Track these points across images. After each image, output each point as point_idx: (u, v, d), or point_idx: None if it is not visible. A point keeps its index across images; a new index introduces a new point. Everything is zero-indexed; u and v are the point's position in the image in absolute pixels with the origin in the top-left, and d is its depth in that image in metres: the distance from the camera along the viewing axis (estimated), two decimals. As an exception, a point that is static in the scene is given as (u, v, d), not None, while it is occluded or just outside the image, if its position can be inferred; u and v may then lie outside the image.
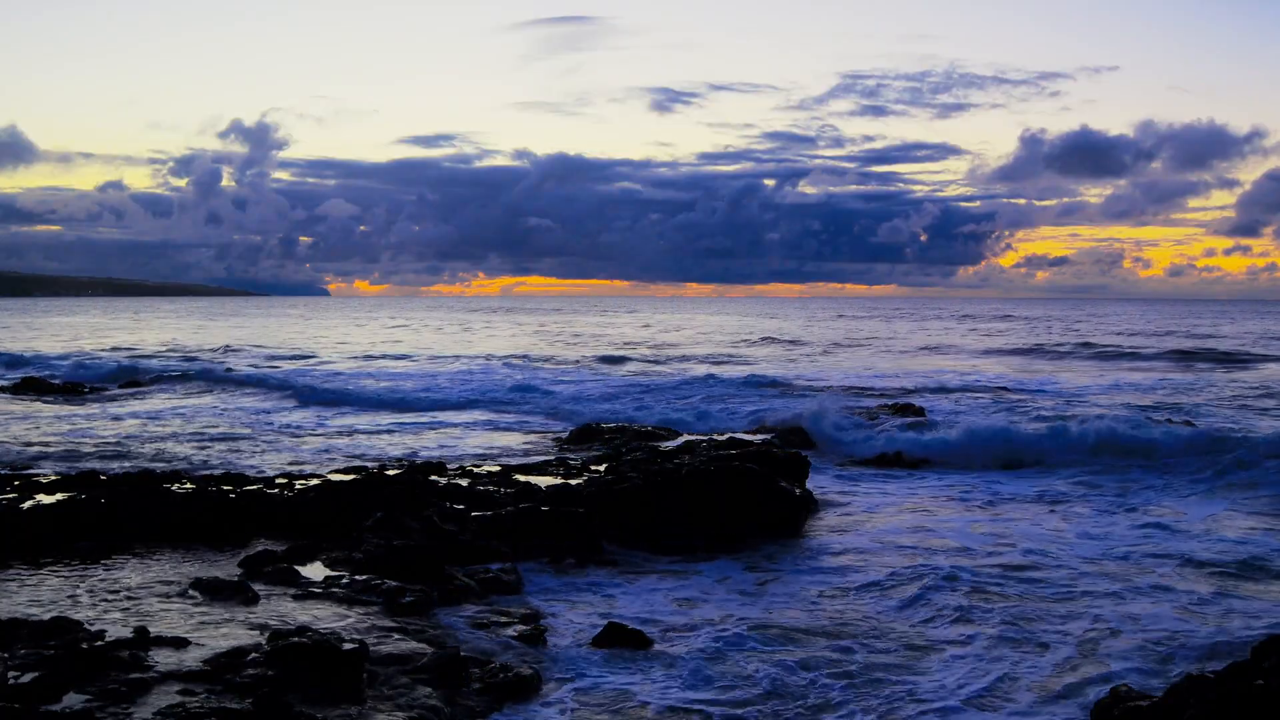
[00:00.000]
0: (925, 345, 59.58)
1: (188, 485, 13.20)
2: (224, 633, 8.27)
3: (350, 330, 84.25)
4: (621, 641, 9.01)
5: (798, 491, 14.00)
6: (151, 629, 8.04)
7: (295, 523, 12.33)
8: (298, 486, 13.63)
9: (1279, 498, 15.55)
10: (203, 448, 20.52)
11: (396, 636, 8.52)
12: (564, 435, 22.51)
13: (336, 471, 15.63)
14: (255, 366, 42.26)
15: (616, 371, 41.30)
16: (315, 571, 10.46)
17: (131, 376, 36.28)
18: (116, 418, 25.52)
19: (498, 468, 16.42)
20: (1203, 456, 18.15)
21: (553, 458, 18.51)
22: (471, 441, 22.21)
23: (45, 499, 12.28)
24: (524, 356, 49.45)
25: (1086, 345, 55.52)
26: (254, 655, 7.45)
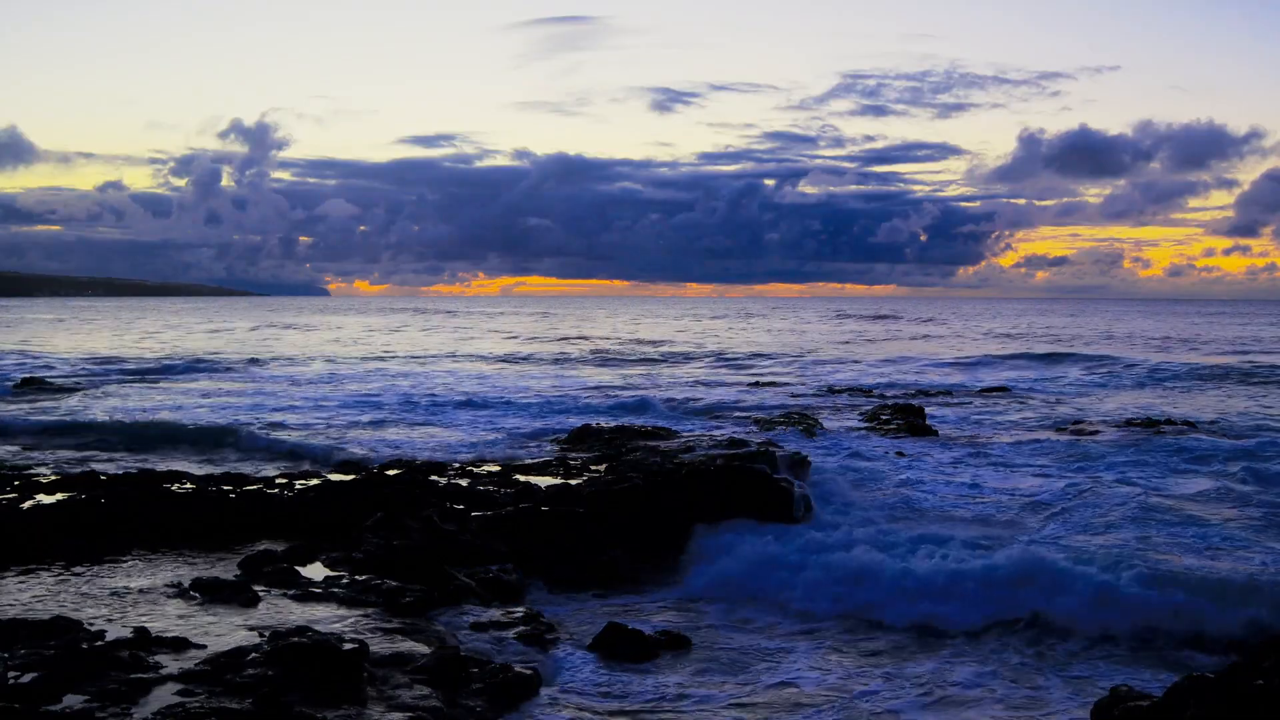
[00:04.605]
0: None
1: (188, 485, 13.20)
2: (224, 633, 8.27)
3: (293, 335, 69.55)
4: (622, 643, 9.00)
5: (798, 491, 14.00)
6: (151, 629, 8.04)
7: (295, 523, 12.33)
8: (298, 486, 13.63)
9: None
10: None
11: (397, 637, 8.51)
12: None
13: (335, 471, 15.63)
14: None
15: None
16: (315, 572, 10.45)
17: None
18: None
19: (498, 467, 16.41)
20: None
21: (553, 458, 18.48)
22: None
23: (45, 499, 12.29)
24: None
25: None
26: (254, 655, 7.45)
